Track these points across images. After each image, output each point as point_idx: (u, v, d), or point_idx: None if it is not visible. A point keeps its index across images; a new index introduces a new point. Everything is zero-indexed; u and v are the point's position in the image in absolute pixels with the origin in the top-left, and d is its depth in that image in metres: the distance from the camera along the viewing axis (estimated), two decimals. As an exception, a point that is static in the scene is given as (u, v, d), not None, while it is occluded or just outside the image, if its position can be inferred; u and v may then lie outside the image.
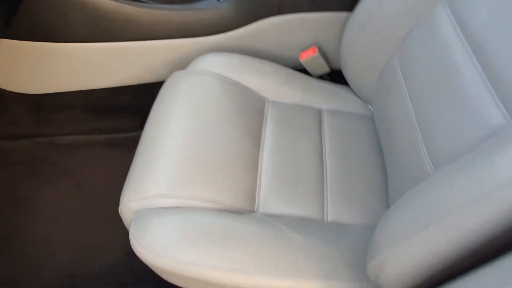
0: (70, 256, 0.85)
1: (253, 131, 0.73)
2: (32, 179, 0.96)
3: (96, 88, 0.96)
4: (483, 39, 0.51)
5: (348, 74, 0.83)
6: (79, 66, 0.92)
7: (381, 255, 0.50)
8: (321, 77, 0.93)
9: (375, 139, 0.78)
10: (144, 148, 0.68)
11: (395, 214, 0.51)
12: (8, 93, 0.95)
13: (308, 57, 0.89)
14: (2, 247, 0.87)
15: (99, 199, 0.92)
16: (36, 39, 0.86)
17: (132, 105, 1.01)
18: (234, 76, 0.80)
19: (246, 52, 0.89)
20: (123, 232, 0.62)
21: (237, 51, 0.87)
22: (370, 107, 0.84)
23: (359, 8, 0.76)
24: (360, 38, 0.77)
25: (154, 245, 0.54)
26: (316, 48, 0.89)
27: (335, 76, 0.92)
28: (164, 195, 0.60)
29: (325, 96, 0.83)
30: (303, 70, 0.90)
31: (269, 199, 0.65)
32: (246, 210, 0.64)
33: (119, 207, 0.63)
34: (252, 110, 0.76)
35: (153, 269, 0.58)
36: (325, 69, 0.92)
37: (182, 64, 0.89)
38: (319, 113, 0.81)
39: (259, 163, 0.70)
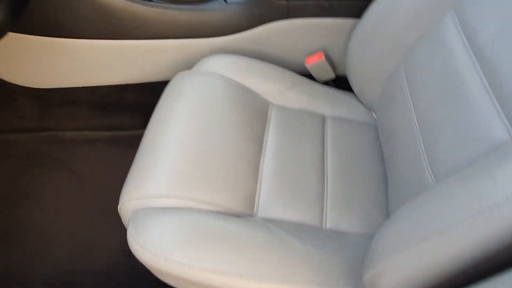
0: (68, 252, 0.86)
1: (255, 134, 0.73)
2: (34, 173, 0.96)
3: (102, 85, 0.97)
4: (490, 52, 0.51)
5: (353, 81, 0.83)
6: (86, 63, 0.92)
7: (378, 265, 0.49)
8: (326, 83, 0.93)
9: (378, 147, 0.78)
10: (145, 147, 0.68)
11: (394, 224, 0.51)
12: (14, 86, 0.96)
13: (314, 62, 0.89)
14: (1, 239, 0.87)
15: (99, 196, 0.92)
16: (44, 34, 0.87)
17: (137, 103, 1.01)
18: (239, 78, 0.80)
19: (252, 55, 0.89)
20: (122, 230, 0.62)
21: (243, 54, 0.87)
22: (374, 115, 0.83)
23: (367, 16, 0.76)
24: (366, 46, 0.76)
25: (150, 245, 0.54)
26: (323, 53, 0.89)
27: (340, 83, 0.92)
28: (164, 195, 0.60)
29: (329, 102, 0.83)
30: (308, 75, 0.90)
31: (269, 204, 0.65)
32: (245, 214, 0.63)
33: (118, 206, 0.63)
34: (255, 113, 0.76)
35: (149, 269, 0.58)
36: (331, 75, 0.92)
37: (188, 64, 0.89)
38: (322, 119, 0.80)
39: (260, 167, 0.70)
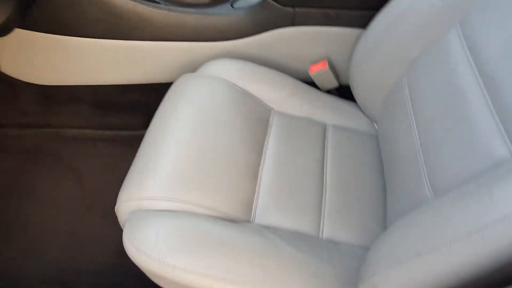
0: (64, 250, 0.85)
1: (256, 140, 0.73)
2: (33, 169, 0.96)
3: (105, 84, 0.97)
4: (494, 70, 0.51)
5: (356, 91, 0.83)
6: (90, 61, 0.93)
7: (373, 277, 0.49)
8: (329, 92, 0.93)
9: (378, 158, 0.78)
10: (145, 148, 0.68)
11: (390, 237, 0.51)
12: (18, 82, 0.96)
13: (318, 70, 0.89)
14: (-2, 234, 0.87)
15: (97, 195, 0.92)
16: (50, 31, 0.87)
17: (139, 104, 1.01)
18: (242, 83, 0.80)
19: (256, 60, 0.89)
20: (119, 231, 0.62)
21: (248, 59, 0.88)
22: (376, 125, 0.83)
23: (372, 26, 0.76)
24: (370, 56, 0.76)
25: (145, 247, 0.54)
26: (327, 62, 0.89)
27: (343, 92, 0.92)
28: (161, 197, 0.60)
29: (331, 111, 0.83)
30: (311, 83, 0.90)
31: (266, 211, 0.65)
32: (241, 220, 0.63)
33: (116, 206, 0.63)
34: (257, 119, 0.76)
35: (144, 271, 0.57)
36: (334, 83, 0.92)
37: (192, 67, 0.89)
38: (324, 127, 0.80)
39: (259, 172, 0.69)
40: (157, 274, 0.54)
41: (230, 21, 0.88)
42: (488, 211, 0.37)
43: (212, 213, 0.61)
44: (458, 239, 0.39)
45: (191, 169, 0.63)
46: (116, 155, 0.98)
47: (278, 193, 0.67)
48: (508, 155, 0.44)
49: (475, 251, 0.37)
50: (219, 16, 0.88)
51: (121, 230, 0.60)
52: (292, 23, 0.87)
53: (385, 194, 0.72)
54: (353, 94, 0.84)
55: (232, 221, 0.62)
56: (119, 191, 0.64)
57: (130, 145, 0.79)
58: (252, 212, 0.65)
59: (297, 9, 0.85)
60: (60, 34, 0.87)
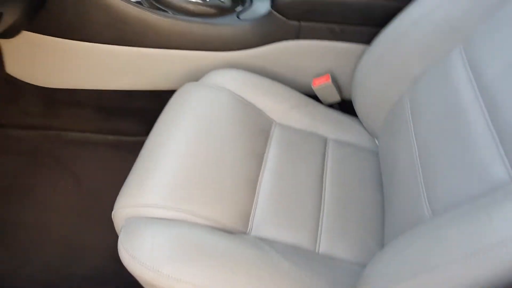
0: (59, 254, 0.85)
1: (256, 151, 0.73)
2: (33, 170, 0.96)
3: (109, 89, 0.98)
4: (496, 91, 0.51)
5: (358, 106, 0.83)
6: (95, 66, 0.93)
7: (368, 296, 0.49)
8: (331, 106, 0.93)
9: (378, 174, 0.77)
10: (145, 155, 0.68)
11: (387, 256, 0.50)
12: (23, 83, 0.97)
13: (321, 84, 0.90)
14: (-6, 234, 0.87)
15: (95, 200, 0.92)
16: (57, 35, 0.88)
17: (142, 110, 1.02)
18: (245, 94, 0.80)
19: (259, 72, 0.89)
20: (115, 236, 0.61)
21: (251, 70, 0.88)
22: (377, 141, 0.83)
23: (376, 43, 0.77)
24: (373, 72, 0.77)
25: (140, 256, 0.53)
26: (330, 76, 0.89)
27: (345, 106, 0.92)
28: (159, 205, 0.60)
29: (332, 125, 0.83)
30: (313, 97, 0.90)
31: (263, 223, 0.65)
32: (238, 231, 0.63)
33: (112, 212, 0.63)
34: (257, 130, 0.77)
35: (137, 279, 0.57)
36: (336, 98, 0.92)
37: (195, 75, 0.90)
38: (324, 141, 0.80)
39: (258, 184, 0.69)
40: (151, 283, 0.54)
41: (235, 32, 0.89)
42: (486, 234, 0.37)
43: (209, 223, 0.61)
44: (455, 260, 0.39)
45: (189, 178, 0.63)
46: (116, 160, 0.98)
47: (276, 205, 0.67)
48: (507, 178, 0.44)
49: (472, 274, 0.37)
50: (225, 26, 0.89)
51: (117, 236, 0.60)
52: (297, 37, 0.87)
53: (383, 211, 0.71)
54: (355, 109, 0.84)
55: (228, 232, 0.62)
56: (117, 197, 0.64)
57: (131, 151, 0.79)
58: (249, 223, 0.65)
59: (302, 23, 0.86)
60: (67, 38, 0.88)
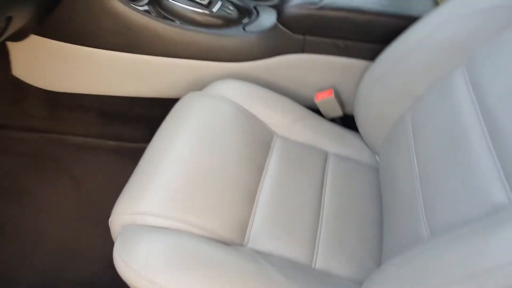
0: (54, 258, 0.84)
1: (256, 163, 0.73)
2: (33, 173, 0.97)
3: (113, 94, 0.98)
4: (498, 113, 0.51)
5: (359, 122, 0.83)
6: (101, 72, 0.94)
7: (363, 314, 0.48)
8: (333, 120, 0.93)
9: (377, 191, 0.77)
10: (145, 163, 0.68)
11: (384, 274, 0.50)
12: (28, 86, 0.98)
13: (323, 98, 0.90)
14: (-10, 236, 0.87)
15: (94, 205, 0.92)
16: (65, 40, 0.89)
17: (145, 117, 1.02)
18: (247, 105, 0.81)
19: (263, 84, 0.90)
20: (112, 243, 0.61)
21: (255, 81, 0.89)
22: (378, 158, 0.83)
23: (380, 60, 0.77)
24: (376, 89, 0.77)
25: (134, 263, 0.53)
26: (333, 91, 0.90)
27: (347, 121, 0.92)
28: (156, 213, 0.60)
29: (334, 140, 0.83)
30: (316, 110, 0.90)
31: (260, 235, 0.64)
32: (235, 243, 0.63)
33: (109, 218, 0.62)
34: (259, 142, 0.77)
35: (131, 287, 0.57)
36: (338, 112, 0.92)
37: (199, 85, 0.90)
38: (325, 155, 0.80)
39: (257, 196, 0.69)
40: (144, 292, 0.53)
41: (240, 44, 0.89)
42: (483, 257, 0.37)
43: (206, 234, 0.61)
44: (452, 282, 0.38)
45: (188, 187, 0.63)
46: (117, 166, 0.99)
47: (273, 218, 0.66)
48: (507, 201, 0.44)
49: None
50: (230, 38, 0.90)
51: (113, 243, 0.59)
52: (302, 50, 0.88)
53: (382, 228, 0.71)
54: (357, 124, 0.84)
55: (225, 243, 0.61)
56: (115, 203, 0.64)
57: (132, 157, 0.79)
58: (246, 235, 0.64)
59: (307, 37, 0.87)
60: (74, 44, 0.89)
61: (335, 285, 0.61)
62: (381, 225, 0.71)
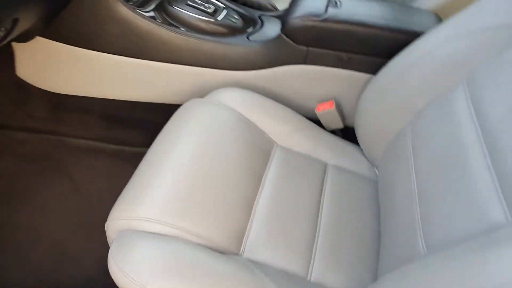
0: (50, 260, 0.84)
1: (255, 172, 0.73)
2: (32, 173, 0.97)
3: (116, 98, 0.99)
4: (497, 131, 0.51)
5: (360, 135, 0.83)
6: (104, 75, 0.95)
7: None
8: (334, 132, 0.94)
9: (376, 204, 0.77)
10: (144, 168, 0.68)
11: (379, 290, 0.49)
12: (31, 87, 0.98)
13: (325, 110, 0.90)
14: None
15: (91, 208, 0.92)
16: (70, 43, 0.90)
17: (146, 122, 1.02)
18: (248, 114, 0.81)
19: (265, 93, 0.90)
20: (107, 248, 0.61)
21: (257, 90, 0.89)
22: (377, 171, 0.83)
23: (382, 74, 0.77)
24: (377, 102, 0.77)
25: (129, 270, 0.52)
26: (334, 102, 0.90)
27: (348, 134, 0.92)
28: (153, 220, 0.60)
29: (333, 152, 0.83)
30: (317, 121, 0.90)
31: (256, 245, 0.64)
32: (230, 252, 0.62)
33: (106, 223, 0.62)
34: (258, 152, 0.77)
35: (124, 293, 0.56)
36: (339, 124, 0.93)
37: (202, 92, 0.91)
38: (324, 167, 0.80)
39: (254, 206, 0.69)
40: (138, 298, 0.53)
41: (244, 53, 0.90)
42: (480, 276, 0.37)
43: (202, 242, 0.60)
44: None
45: (186, 194, 0.63)
46: (117, 170, 0.99)
47: (270, 228, 0.66)
48: (504, 220, 0.44)
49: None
50: (234, 46, 0.90)
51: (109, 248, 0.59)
52: (304, 62, 0.89)
53: (379, 241, 0.70)
54: (357, 137, 0.85)
55: (221, 252, 0.61)
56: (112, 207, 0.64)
57: (132, 161, 0.79)
58: (242, 245, 0.64)
59: (310, 49, 0.87)
60: (79, 46, 0.90)
61: (330, 298, 0.60)
62: (379, 238, 0.71)
